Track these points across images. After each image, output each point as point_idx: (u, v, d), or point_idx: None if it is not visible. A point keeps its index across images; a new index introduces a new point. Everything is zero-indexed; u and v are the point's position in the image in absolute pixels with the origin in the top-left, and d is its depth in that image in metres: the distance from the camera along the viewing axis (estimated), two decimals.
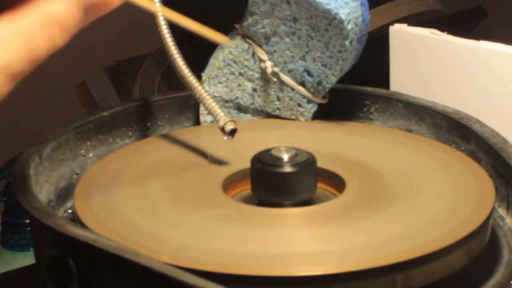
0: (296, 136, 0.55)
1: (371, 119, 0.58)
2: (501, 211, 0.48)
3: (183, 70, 0.52)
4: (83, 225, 0.42)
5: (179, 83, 0.53)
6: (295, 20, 0.54)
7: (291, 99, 0.57)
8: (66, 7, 0.34)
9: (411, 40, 0.64)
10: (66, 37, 0.34)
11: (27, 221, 0.75)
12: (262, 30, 0.56)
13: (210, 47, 0.59)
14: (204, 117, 0.58)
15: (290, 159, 0.45)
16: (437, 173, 0.48)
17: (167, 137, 0.55)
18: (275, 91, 0.58)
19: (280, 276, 0.37)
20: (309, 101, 0.57)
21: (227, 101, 0.58)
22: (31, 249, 0.75)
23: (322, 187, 0.48)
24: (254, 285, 0.37)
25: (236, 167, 0.49)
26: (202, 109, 0.58)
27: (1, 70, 0.32)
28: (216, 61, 0.58)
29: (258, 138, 0.54)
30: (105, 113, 0.54)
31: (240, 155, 0.49)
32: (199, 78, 0.53)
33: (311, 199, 0.46)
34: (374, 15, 0.83)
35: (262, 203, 0.46)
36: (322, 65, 0.55)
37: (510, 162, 0.47)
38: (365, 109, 0.59)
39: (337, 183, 0.48)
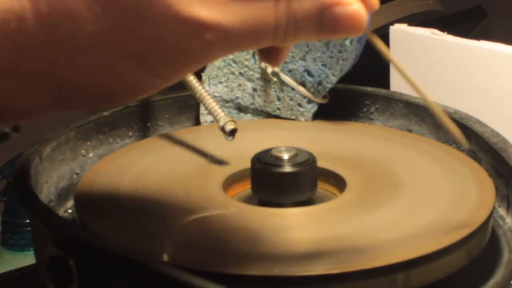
0: (296, 136, 0.55)
1: (371, 119, 0.58)
2: (501, 211, 0.48)
3: None
4: (83, 225, 0.42)
5: (179, 83, 0.53)
6: None
7: (291, 99, 0.57)
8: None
9: (411, 40, 0.64)
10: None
11: (27, 221, 0.75)
12: None
13: None
14: (204, 117, 0.58)
15: (290, 159, 0.45)
16: (437, 173, 0.48)
17: (167, 137, 0.55)
18: (275, 91, 0.58)
19: (280, 276, 0.37)
20: (309, 101, 0.57)
21: (227, 101, 0.58)
22: (31, 249, 0.75)
23: (322, 187, 0.48)
24: (254, 285, 0.37)
25: (236, 167, 0.49)
26: (202, 109, 0.58)
27: (215, 27, 0.30)
28: (216, 61, 0.58)
29: (258, 138, 0.54)
30: (105, 113, 0.54)
31: (240, 155, 0.49)
32: (199, 78, 0.53)
33: (311, 199, 0.46)
34: (374, 15, 0.83)
35: (262, 203, 0.46)
36: (322, 65, 0.55)
37: (510, 162, 0.47)
38: (365, 109, 0.59)
39: (337, 183, 0.48)
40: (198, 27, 0.31)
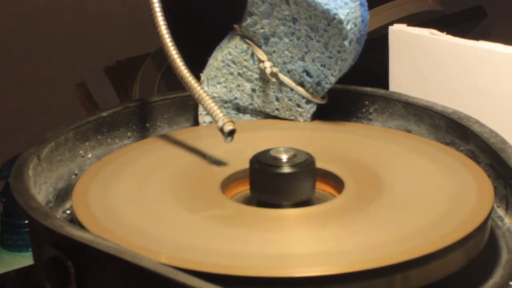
0: (295, 137, 0.55)
1: (370, 119, 0.58)
2: (500, 212, 0.48)
3: (182, 70, 0.52)
4: (81, 226, 0.42)
5: (178, 84, 0.53)
6: (294, 20, 0.54)
7: (290, 100, 0.57)
8: None
9: (410, 40, 0.64)
10: None
11: (26, 221, 0.75)
12: (261, 31, 0.56)
13: (210, 47, 0.59)
14: (203, 118, 0.58)
15: (289, 159, 0.45)
16: (436, 174, 0.48)
17: (166, 138, 0.55)
18: (274, 92, 0.57)
19: (279, 276, 0.37)
20: (308, 102, 0.57)
21: (226, 102, 0.58)
22: (30, 250, 0.75)
23: (321, 188, 0.48)
24: (253, 285, 0.37)
25: (235, 167, 0.49)
26: (201, 109, 0.58)
27: None
28: (215, 61, 0.58)
29: (257, 138, 0.54)
30: (104, 114, 0.54)
31: (239, 156, 0.49)
32: (198, 78, 0.53)
33: (310, 200, 0.46)
34: (374, 15, 0.83)
35: (261, 203, 0.46)
36: (321, 65, 0.55)
37: (509, 163, 0.47)
38: (364, 109, 0.59)
39: (336, 184, 0.48)
40: None
